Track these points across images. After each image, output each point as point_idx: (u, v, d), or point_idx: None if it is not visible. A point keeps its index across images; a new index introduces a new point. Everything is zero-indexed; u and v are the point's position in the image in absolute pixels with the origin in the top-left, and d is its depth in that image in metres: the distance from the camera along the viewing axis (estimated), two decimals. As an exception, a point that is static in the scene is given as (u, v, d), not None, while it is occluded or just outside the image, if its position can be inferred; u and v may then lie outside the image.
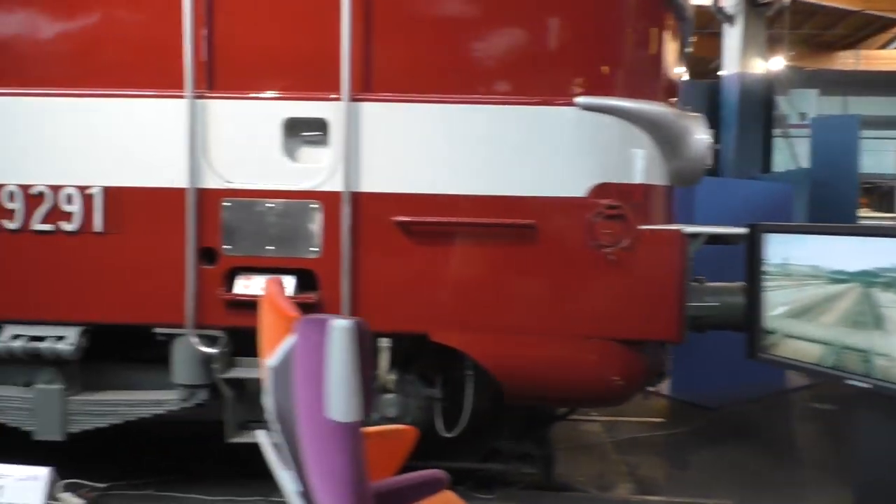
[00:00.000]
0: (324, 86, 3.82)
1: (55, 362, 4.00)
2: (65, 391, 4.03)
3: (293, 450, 2.30)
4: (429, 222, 3.80)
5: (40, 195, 3.88)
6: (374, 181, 3.82)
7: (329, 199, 3.82)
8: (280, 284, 2.83)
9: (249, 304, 3.85)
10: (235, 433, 3.96)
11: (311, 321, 2.02)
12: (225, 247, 3.87)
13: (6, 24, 3.92)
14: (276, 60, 3.86)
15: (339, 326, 1.85)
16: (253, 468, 4.57)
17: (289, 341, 2.31)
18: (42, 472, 3.93)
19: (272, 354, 2.32)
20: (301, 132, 3.89)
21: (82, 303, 3.95)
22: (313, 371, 1.93)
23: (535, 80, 3.79)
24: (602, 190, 3.76)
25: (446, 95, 3.79)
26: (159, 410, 4.04)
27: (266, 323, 2.68)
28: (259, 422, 4.10)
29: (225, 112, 3.84)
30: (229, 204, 3.86)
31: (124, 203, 3.87)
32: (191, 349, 3.93)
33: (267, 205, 3.85)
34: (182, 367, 3.98)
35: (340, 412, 1.84)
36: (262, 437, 2.88)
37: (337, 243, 3.81)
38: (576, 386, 3.91)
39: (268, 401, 2.34)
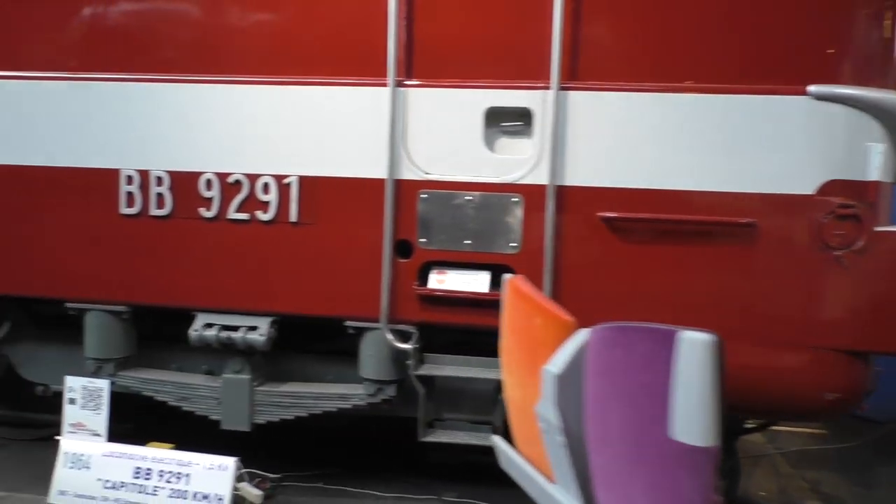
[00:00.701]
0: (527, 74, 3.65)
1: (243, 352, 3.98)
2: (252, 381, 4.01)
3: (578, 463, 2.13)
4: (637, 219, 3.58)
5: (237, 184, 3.86)
6: (580, 174, 3.62)
7: (532, 193, 3.65)
8: (528, 282, 2.67)
9: (443, 300, 3.75)
10: (426, 432, 3.85)
11: (635, 330, 1.85)
12: (420, 240, 3.75)
13: (205, 14, 3.90)
14: (477, 48, 3.70)
15: (699, 341, 1.66)
16: (425, 466, 4.52)
17: (573, 347, 2.15)
18: (229, 462, 3.93)
19: (552, 361, 2.17)
20: (500, 122, 3.73)
21: (274, 293, 3.91)
22: (643, 385, 1.76)
23: (760, 66, 3.50)
24: (833, 187, 3.45)
25: (660, 83, 3.56)
26: (345, 405, 3.97)
27: (521, 324, 2.54)
28: (442, 420, 4.01)
29: (425, 101, 3.72)
30: (426, 196, 3.73)
31: (320, 193, 3.80)
32: (381, 344, 3.84)
33: (465, 197, 3.71)
34: (371, 361, 3.89)
35: (696, 435, 1.65)
36: (499, 443, 2.75)
37: (539, 239, 3.64)
38: (791, 398, 3.62)
39: (546, 409, 2.18)
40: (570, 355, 2.10)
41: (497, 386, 3.85)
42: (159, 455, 4.02)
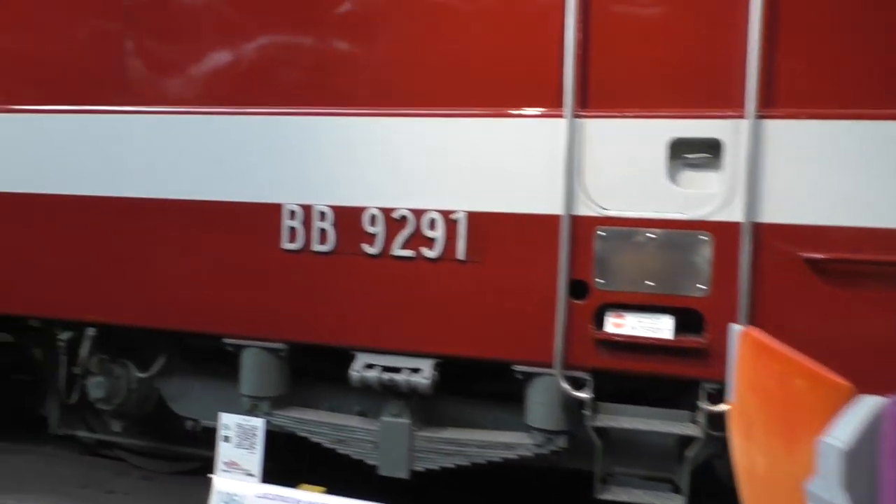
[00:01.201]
0: (716, 102, 3.38)
1: (402, 394, 3.82)
2: (411, 426, 3.84)
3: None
4: (850, 261, 3.22)
5: (402, 219, 3.72)
6: (779, 211, 3.29)
7: (722, 230, 3.35)
8: (768, 335, 2.37)
9: (621, 346, 3.49)
10: (602, 488, 3.56)
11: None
12: (597, 280, 3.50)
13: (370, 47, 3.81)
14: (659, 74, 3.46)
15: None
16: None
17: (860, 418, 1.85)
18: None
19: (832, 433, 1.86)
20: (683, 154, 3.46)
21: (438, 334, 3.73)
22: None
23: None
24: None
25: (874, 110, 3.21)
26: (511, 455, 3.74)
27: (767, 383, 2.24)
28: (613, 475, 3.71)
29: (603, 132, 3.49)
30: (604, 233, 3.49)
31: (488, 230, 3.62)
32: (552, 390, 3.59)
33: (647, 235, 3.44)
34: (540, 409, 3.65)
35: None
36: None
37: (731, 281, 3.32)
38: None
39: (826, 490, 1.87)
40: (859, 428, 1.80)
41: (679, 441, 3.56)
42: (316, 500, 3.89)
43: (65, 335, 4.41)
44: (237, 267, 3.98)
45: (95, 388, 4.46)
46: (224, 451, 4.14)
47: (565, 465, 3.82)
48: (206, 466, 4.96)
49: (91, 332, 4.34)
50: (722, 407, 3.31)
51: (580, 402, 3.56)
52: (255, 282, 3.95)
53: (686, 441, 3.51)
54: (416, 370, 3.74)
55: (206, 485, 4.91)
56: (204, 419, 4.47)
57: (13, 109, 4.35)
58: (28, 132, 4.31)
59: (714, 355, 3.35)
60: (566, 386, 3.52)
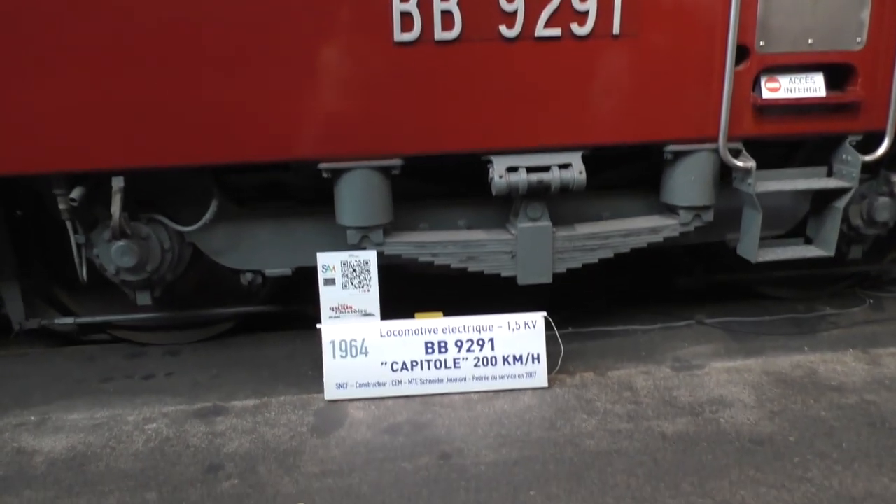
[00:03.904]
0: None
1: (539, 197, 3.47)
2: (552, 228, 3.54)
3: None
4: None
5: (546, -9, 3.15)
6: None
7: (883, -22, 3.29)
8: None
9: (774, 110, 3.42)
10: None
11: None
12: (760, 43, 3.31)
13: None
14: None
15: None
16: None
17: None
18: (537, 318, 3.53)
19: None
20: None
21: (587, 123, 3.35)
22: None
23: None
24: None
25: None
26: (656, 238, 3.63)
27: None
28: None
29: None
30: (767, -8, 3.26)
31: (648, -1, 3.21)
32: (705, 166, 3.48)
33: (810, -12, 3.28)
34: (692, 186, 3.53)
35: None
36: None
37: (889, 31, 3.34)
38: None
39: None
40: None
41: (813, 197, 3.71)
42: (454, 324, 3.53)
43: (76, 193, 3.27)
44: (338, 72, 3.15)
45: (121, 255, 3.45)
46: (329, 296, 3.56)
47: (705, 240, 3.84)
48: (245, 323, 4.26)
49: (119, 182, 3.26)
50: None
51: (725, 175, 3.53)
52: (362, 88, 3.18)
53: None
54: (565, 166, 3.39)
55: (266, 340, 4.27)
56: (268, 268, 3.74)
57: None
58: None
59: (865, 108, 3.43)
60: (731, 158, 3.42)
